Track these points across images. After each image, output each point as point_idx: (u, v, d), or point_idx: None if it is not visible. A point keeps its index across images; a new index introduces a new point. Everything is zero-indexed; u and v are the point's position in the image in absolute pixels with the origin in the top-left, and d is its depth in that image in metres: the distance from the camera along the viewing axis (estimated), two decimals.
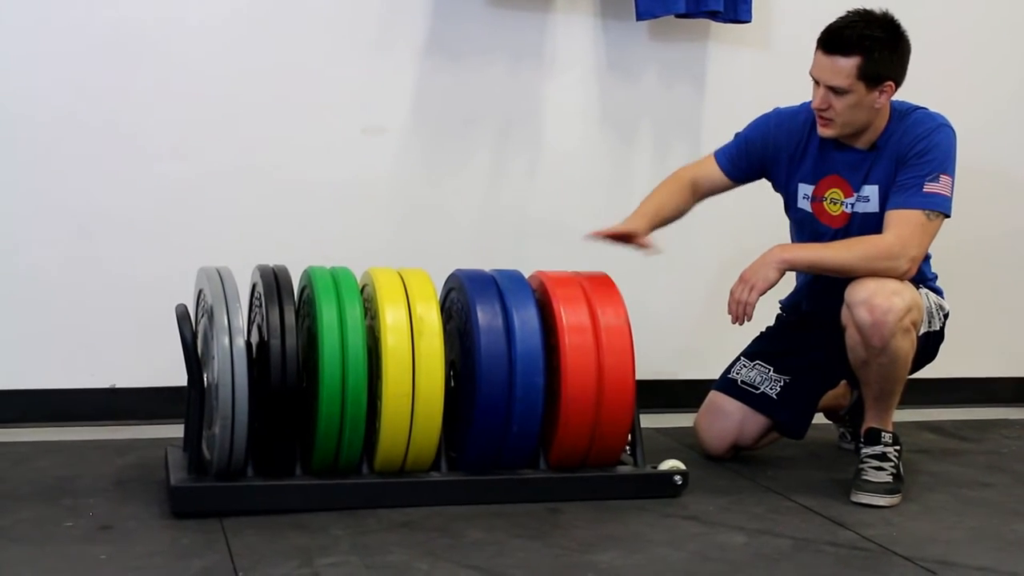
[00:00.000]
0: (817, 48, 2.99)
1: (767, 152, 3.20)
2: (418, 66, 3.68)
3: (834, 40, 2.95)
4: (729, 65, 3.96)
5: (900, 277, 2.94)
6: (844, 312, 2.96)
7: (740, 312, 2.96)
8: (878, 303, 2.87)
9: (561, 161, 3.85)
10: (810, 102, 3.13)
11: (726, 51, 3.95)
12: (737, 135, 3.28)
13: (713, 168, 3.25)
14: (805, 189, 3.16)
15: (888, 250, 2.94)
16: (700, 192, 3.26)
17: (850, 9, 3.02)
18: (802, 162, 3.15)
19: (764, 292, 2.97)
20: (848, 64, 2.92)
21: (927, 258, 3.18)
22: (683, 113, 3.95)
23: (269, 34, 3.55)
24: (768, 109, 3.31)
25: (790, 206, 3.23)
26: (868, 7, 3.02)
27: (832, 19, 3.01)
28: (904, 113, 3.06)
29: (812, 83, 3.02)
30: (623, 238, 3.09)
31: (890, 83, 2.98)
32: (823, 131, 3.04)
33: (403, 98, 3.68)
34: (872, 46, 2.93)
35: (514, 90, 3.79)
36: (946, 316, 3.18)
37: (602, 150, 3.90)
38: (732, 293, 2.98)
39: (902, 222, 2.96)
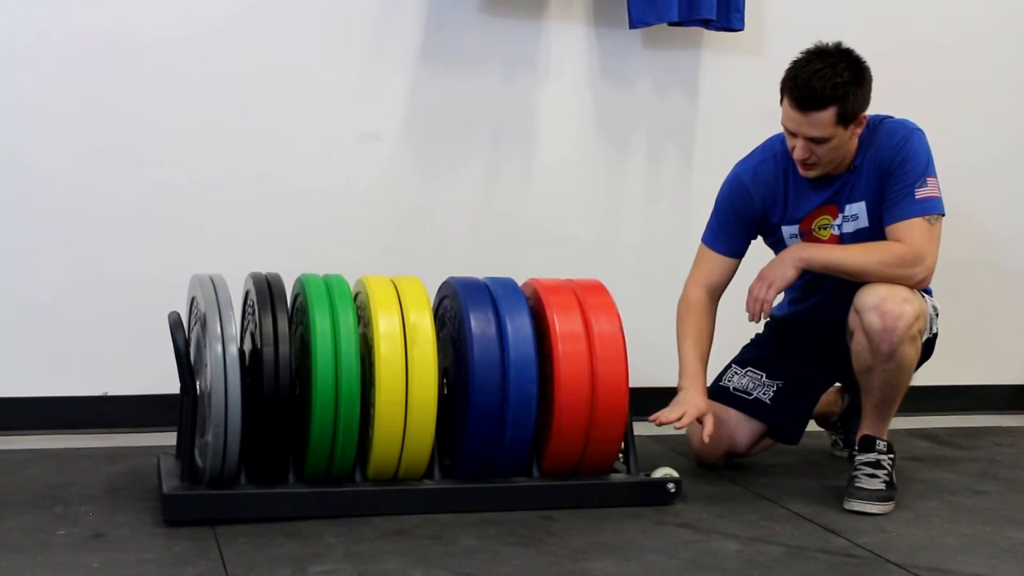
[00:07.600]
0: (787, 101, 2.90)
1: (756, 211, 3.15)
2: (412, 73, 3.68)
3: (807, 97, 2.86)
4: (722, 73, 3.96)
5: (915, 286, 2.95)
6: (852, 317, 2.96)
7: (757, 309, 3.00)
8: (890, 308, 2.88)
9: (555, 169, 3.85)
10: (768, 144, 3.15)
11: (719, 59, 3.96)
12: (713, 215, 3.20)
13: (713, 259, 3.17)
14: (791, 230, 3.15)
15: (903, 257, 2.94)
16: (719, 292, 3.19)
17: (806, 50, 2.93)
18: (784, 207, 3.13)
19: (781, 290, 3.01)
20: (826, 116, 2.87)
21: None
22: (676, 120, 3.95)
23: (263, 42, 3.55)
24: (761, 116, 3.31)
25: (779, 248, 3.18)
26: (821, 43, 2.93)
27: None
28: (873, 126, 3.04)
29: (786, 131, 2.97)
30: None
31: (864, 115, 2.96)
32: (807, 173, 3.01)
33: (397, 105, 3.68)
34: (845, 92, 2.86)
35: (508, 98, 3.79)
36: (938, 315, 3.20)
37: (596, 158, 3.90)
38: (751, 291, 3.02)
39: (909, 232, 2.96)
